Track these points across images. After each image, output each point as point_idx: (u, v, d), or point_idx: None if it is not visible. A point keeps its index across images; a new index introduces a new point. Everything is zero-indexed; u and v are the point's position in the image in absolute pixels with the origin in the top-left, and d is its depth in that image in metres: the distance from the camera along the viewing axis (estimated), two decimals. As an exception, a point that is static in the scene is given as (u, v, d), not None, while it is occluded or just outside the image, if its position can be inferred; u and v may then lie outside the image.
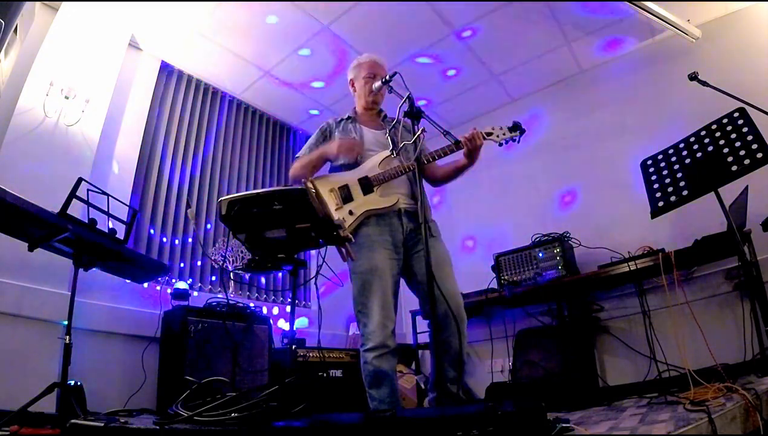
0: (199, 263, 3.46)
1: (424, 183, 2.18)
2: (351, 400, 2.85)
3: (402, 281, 2.04)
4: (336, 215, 1.94)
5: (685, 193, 2.08)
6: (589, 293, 3.23)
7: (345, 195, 1.99)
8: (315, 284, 1.95)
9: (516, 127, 2.06)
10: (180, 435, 1.31)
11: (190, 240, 3.45)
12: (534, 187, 3.95)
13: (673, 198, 2.11)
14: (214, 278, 3.50)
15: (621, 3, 3.01)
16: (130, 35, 3.25)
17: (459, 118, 4.42)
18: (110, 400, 2.51)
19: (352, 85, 2.29)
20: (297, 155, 2.21)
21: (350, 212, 1.96)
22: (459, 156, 2.05)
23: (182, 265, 3.36)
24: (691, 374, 1.96)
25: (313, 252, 3.83)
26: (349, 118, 2.22)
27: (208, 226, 3.61)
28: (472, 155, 1.99)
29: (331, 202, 1.98)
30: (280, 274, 3.87)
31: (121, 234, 2.12)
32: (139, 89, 3.36)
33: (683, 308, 2.57)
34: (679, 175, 2.14)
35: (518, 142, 2.08)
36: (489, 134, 2.03)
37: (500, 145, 2.07)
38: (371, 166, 2.04)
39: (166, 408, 1.66)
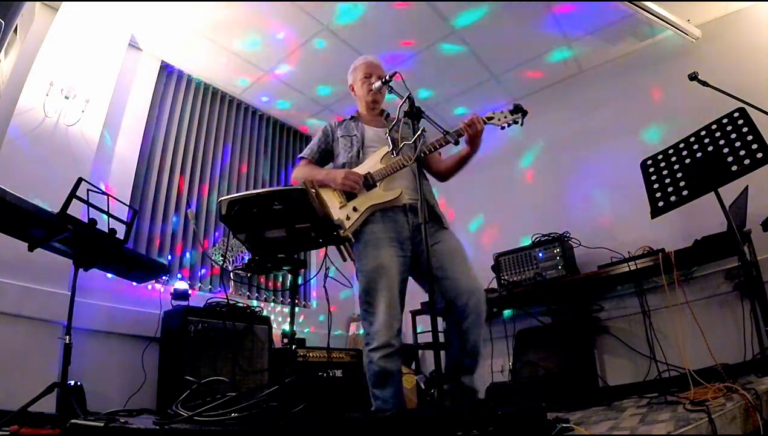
0: (199, 263, 3.46)
1: (431, 179, 2.18)
2: (351, 400, 2.86)
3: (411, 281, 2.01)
4: (340, 213, 1.92)
5: (685, 193, 2.08)
6: (589, 292, 3.23)
7: (348, 193, 1.98)
8: (324, 286, 1.93)
9: (518, 110, 1.98)
10: (180, 435, 1.31)
11: (190, 240, 3.45)
12: (534, 187, 3.95)
13: (673, 198, 2.11)
14: (213, 277, 3.50)
15: (621, 3, 3.01)
16: (130, 35, 3.25)
17: (459, 118, 4.41)
18: (110, 400, 2.51)
19: (353, 90, 2.30)
20: (301, 156, 2.20)
21: (354, 209, 1.94)
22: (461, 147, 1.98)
23: (183, 264, 3.36)
24: (691, 374, 1.96)
25: (314, 252, 3.86)
26: (352, 117, 2.23)
27: (208, 226, 3.61)
28: (473, 142, 1.92)
29: (334, 200, 1.97)
30: (280, 274, 3.87)
31: (121, 234, 2.12)
32: (139, 89, 3.36)
33: (683, 308, 2.57)
34: (679, 175, 2.13)
35: (521, 124, 1.99)
36: (490, 119, 1.96)
37: (503, 128, 1.99)
38: (373, 163, 2.03)
39: (166, 408, 1.66)
